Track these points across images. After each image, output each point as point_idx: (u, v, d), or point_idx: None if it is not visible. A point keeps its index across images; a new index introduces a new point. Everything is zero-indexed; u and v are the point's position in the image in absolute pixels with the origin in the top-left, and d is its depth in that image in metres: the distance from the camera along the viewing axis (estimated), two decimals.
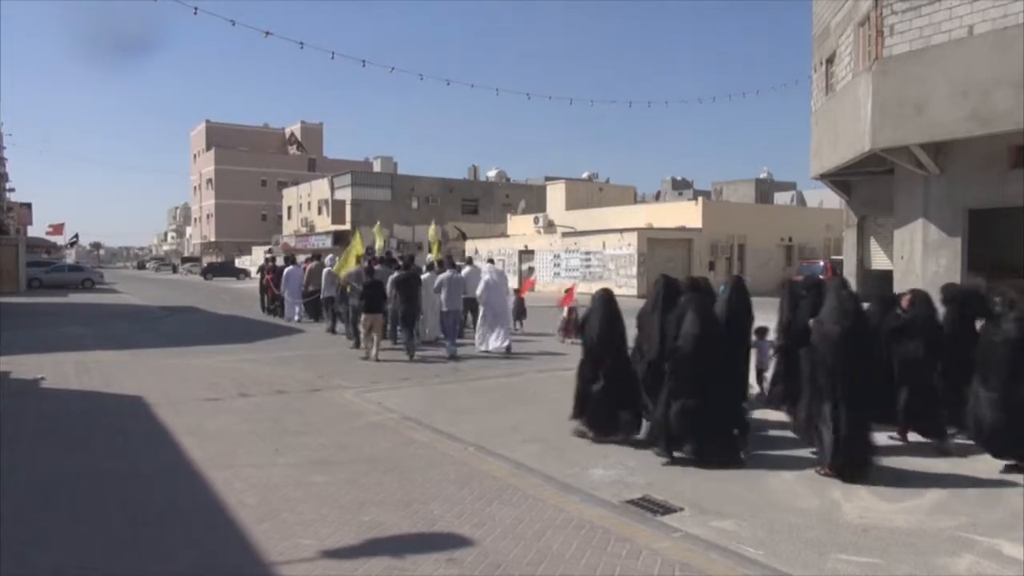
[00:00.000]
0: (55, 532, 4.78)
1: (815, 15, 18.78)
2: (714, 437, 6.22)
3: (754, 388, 8.15)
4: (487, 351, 13.27)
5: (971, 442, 6.43)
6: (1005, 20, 11.87)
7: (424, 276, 14.24)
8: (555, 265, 34.84)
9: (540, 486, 5.75)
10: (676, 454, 6.29)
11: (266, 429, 7.65)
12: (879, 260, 17.78)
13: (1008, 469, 6.02)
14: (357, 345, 13.70)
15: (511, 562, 4.30)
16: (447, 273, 13.51)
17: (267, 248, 44.54)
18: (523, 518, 5.01)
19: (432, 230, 19.25)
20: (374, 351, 12.62)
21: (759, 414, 7.71)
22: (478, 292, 13.53)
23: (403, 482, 5.81)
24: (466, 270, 14.80)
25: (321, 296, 17.58)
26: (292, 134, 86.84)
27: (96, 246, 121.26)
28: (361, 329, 13.12)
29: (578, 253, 33.93)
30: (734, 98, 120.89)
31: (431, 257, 17.03)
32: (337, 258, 17.54)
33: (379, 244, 19.74)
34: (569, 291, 16.37)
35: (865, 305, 6.97)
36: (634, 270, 30.59)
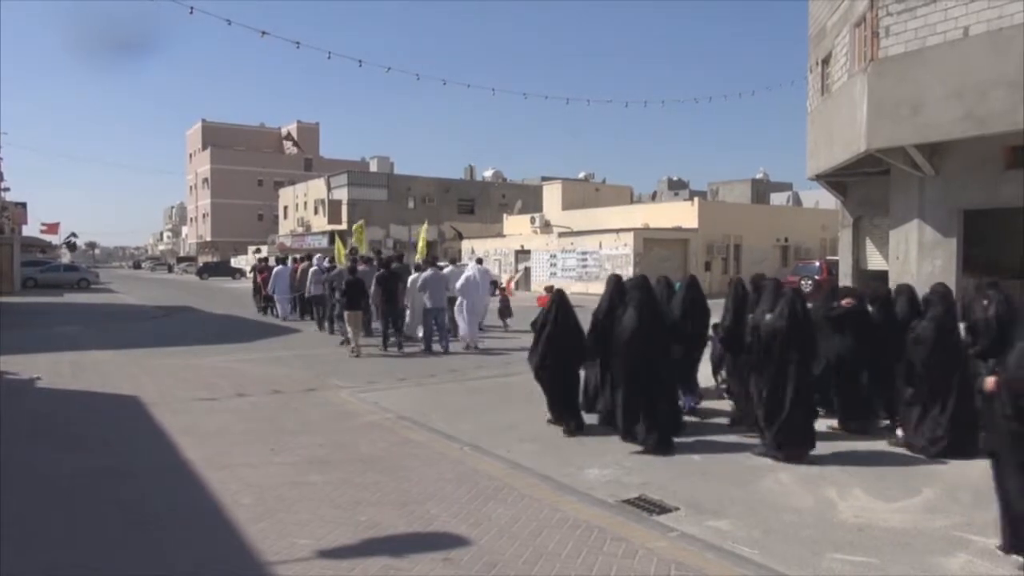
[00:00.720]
0: (50, 531, 4.77)
1: (811, 16, 18.82)
2: (655, 425, 6.66)
3: (710, 380, 8.79)
4: (467, 346, 13.97)
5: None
6: (1000, 21, 11.91)
7: (411, 276, 14.58)
8: (551, 265, 34.84)
9: (536, 485, 5.76)
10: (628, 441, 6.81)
11: (262, 429, 7.64)
12: (875, 261, 17.83)
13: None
14: (346, 342, 13.97)
15: (507, 561, 4.31)
16: (428, 272, 13.82)
17: (256, 248, 44.51)
18: (519, 517, 5.02)
19: (423, 230, 19.81)
20: (356, 346, 13.17)
21: (713, 404, 8.42)
22: (457, 286, 14.03)
23: (399, 482, 5.82)
24: (448, 269, 15.22)
25: (307, 294, 18.05)
26: (288, 133, 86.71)
27: (91, 245, 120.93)
28: (348, 327, 13.55)
29: (574, 253, 33.95)
30: (730, 98, 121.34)
31: (417, 257, 17.63)
32: (326, 258, 18.78)
33: (363, 246, 20.41)
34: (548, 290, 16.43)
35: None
36: (630, 270, 30.59)
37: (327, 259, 20.04)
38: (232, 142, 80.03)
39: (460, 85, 47.84)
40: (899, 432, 6.90)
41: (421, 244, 18.87)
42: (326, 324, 16.78)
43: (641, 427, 6.69)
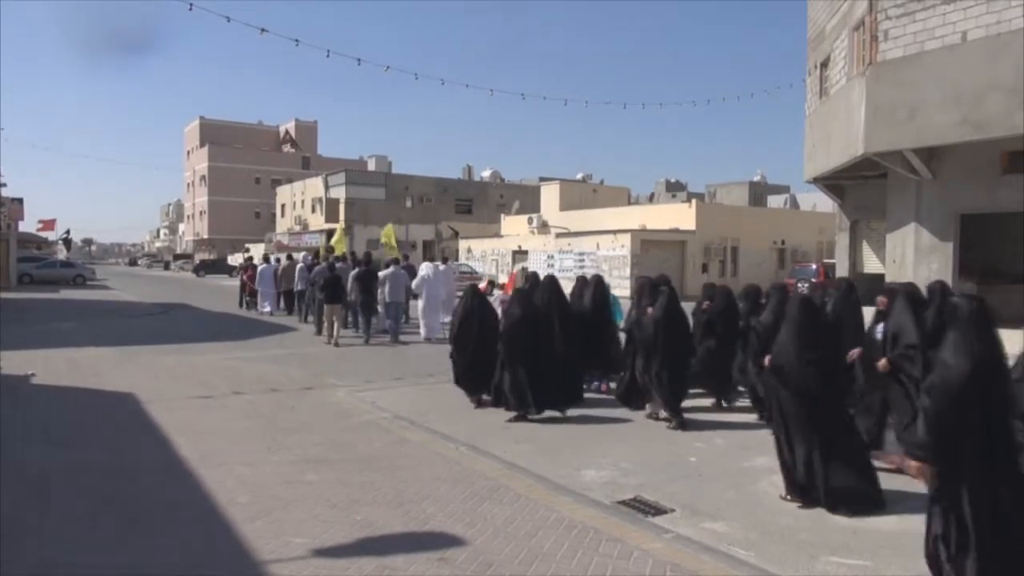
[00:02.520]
0: (44, 529, 4.76)
1: (810, 19, 18.85)
2: (544, 399, 7.91)
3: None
4: (426, 338, 15.10)
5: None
6: (998, 26, 11.94)
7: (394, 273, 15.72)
8: (549, 266, 34.82)
9: (532, 486, 5.76)
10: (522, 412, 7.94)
11: (259, 427, 7.63)
12: (871, 264, 17.88)
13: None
14: (319, 332, 15.64)
15: (503, 561, 4.31)
16: (390, 269, 15.44)
17: (244, 248, 45.18)
18: (515, 518, 5.02)
19: (388, 229, 21.13)
20: (334, 336, 14.49)
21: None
22: (414, 284, 15.39)
23: (395, 481, 5.81)
24: (424, 269, 16.29)
25: (294, 290, 19.40)
26: (286, 132, 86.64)
27: (88, 242, 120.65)
28: (324, 319, 15.11)
29: (572, 254, 33.98)
30: (728, 101, 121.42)
31: (392, 255, 18.99)
32: (310, 256, 20.76)
33: (341, 248, 22.09)
34: (512, 277, 17.09)
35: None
36: (627, 271, 30.64)
37: (311, 257, 21.41)
38: (230, 140, 79.95)
39: (458, 85, 48.13)
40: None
41: (389, 243, 20.42)
42: (305, 318, 18.25)
43: (520, 398, 7.89)
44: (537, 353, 7.95)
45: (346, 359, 12.69)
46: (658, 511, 5.23)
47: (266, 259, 23.11)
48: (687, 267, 32.12)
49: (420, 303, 15.44)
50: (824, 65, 17.56)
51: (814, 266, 28.42)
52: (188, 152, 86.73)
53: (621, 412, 8.36)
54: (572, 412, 8.25)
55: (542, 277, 9.75)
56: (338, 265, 16.65)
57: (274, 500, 5.34)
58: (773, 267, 35.02)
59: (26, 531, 4.70)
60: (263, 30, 19.79)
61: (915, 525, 4.94)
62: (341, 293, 14.93)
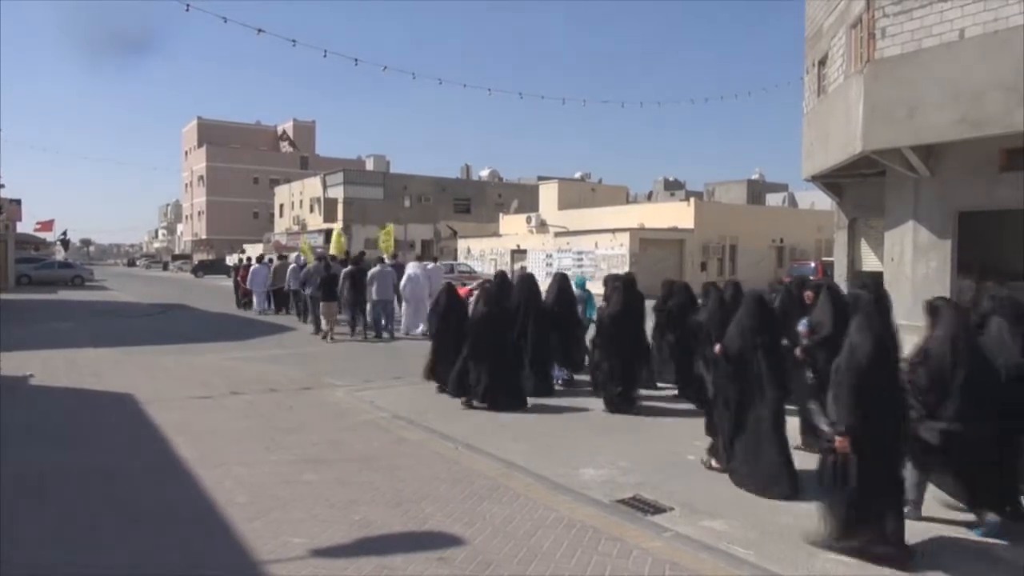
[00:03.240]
0: (43, 530, 4.75)
1: (808, 17, 18.85)
2: (502, 390, 8.42)
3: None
4: (407, 332, 15.84)
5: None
6: (996, 24, 11.93)
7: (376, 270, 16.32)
8: (547, 265, 34.84)
9: (531, 485, 5.76)
10: (475, 403, 8.50)
11: (257, 427, 7.63)
12: (870, 262, 17.86)
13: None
14: (317, 331, 16.02)
15: (501, 561, 4.31)
16: (376, 268, 15.96)
17: (240, 249, 45.64)
18: (514, 517, 5.02)
19: (388, 228, 22.25)
20: (330, 333, 15.19)
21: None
22: (401, 283, 15.85)
23: (394, 481, 5.81)
24: (411, 268, 16.84)
25: (286, 288, 20.01)
26: (284, 132, 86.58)
27: (86, 243, 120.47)
28: (323, 316, 15.62)
29: (570, 253, 33.98)
30: (726, 99, 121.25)
31: (385, 255, 20.22)
32: (303, 256, 21.46)
33: (340, 249, 22.57)
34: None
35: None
36: (626, 270, 30.63)
37: (303, 257, 21.92)
38: (228, 140, 79.85)
39: (456, 84, 48.17)
40: None
41: (384, 244, 21.44)
42: (302, 316, 18.68)
43: (482, 390, 8.45)
44: (501, 350, 8.53)
45: (344, 359, 12.68)
46: (657, 510, 5.23)
47: (259, 259, 24.10)
48: (686, 266, 32.11)
49: (404, 301, 16.09)
50: (822, 63, 17.55)
51: (812, 264, 28.43)
52: (186, 152, 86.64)
53: (595, 403, 8.35)
54: (572, 412, 8.26)
55: (547, 276, 10.59)
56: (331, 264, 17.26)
57: (273, 500, 5.34)
58: (772, 265, 35.03)
59: (25, 532, 4.70)
60: (260, 30, 19.76)
61: (913, 523, 4.96)
62: (336, 290, 15.49)
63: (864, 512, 4.35)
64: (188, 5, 17.00)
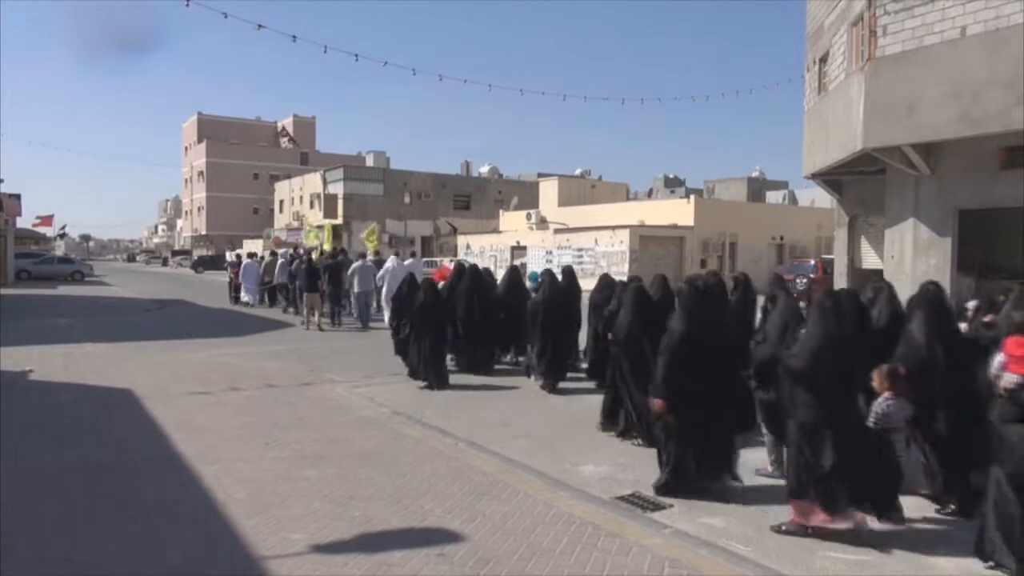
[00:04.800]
0: (41, 525, 4.75)
1: (809, 14, 18.81)
2: (437, 372, 9.64)
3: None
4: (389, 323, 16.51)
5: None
6: (997, 22, 11.91)
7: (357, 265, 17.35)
8: (547, 262, 34.76)
9: (530, 482, 5.76)
10: (420, 383, 9.61)
11: (256, 423, 7.62)
12: (870, 260, 17.85)
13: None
14: (304, 321, 16.94)
15: (501, 557, 4.31)
16: (359, 262, 17.02)
17: (232, 247, 46.11)
18: (513, 514, 5.02)
19: (369, 230, 23.94)
20: (316, 321, 16.35)
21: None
22: (377, 276, 16.52)
23: (393, 477, 5.81)
24: (389, 262, 17.61)
25: (275, 282, 21.09)
26: (284, 128, 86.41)
27: (86, 238, 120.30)
28: (305, 307, 16.87)
29: (570, 250, 33.95)
30: (727, 96, 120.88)
31: (370, 250, 21.53)
32: (289, 252, 23.13)
33: (326, 245, 24.16)
34: (443, 267, 17.97)
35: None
36: (626, 267, 30.61)
37: (290, 252, 23.68)
38: (228, 135, 79.69)
39: (456, 80, 48.20)
40: None
41: (371, 241, 23.11)
42: (290, 309, 19.77)
43: (431, 374, 9.57)
44: (442, 332, 9.95)
45: (344, 354, 12.68)
46: (656, 506, 5.23)
47: (250, 255, 25.35)
48: (686, 263, 32.09)
49: (383, 293, 16.56)
50: (823, 61, 17.52)
51: (812, 262, 28.40)
52: (186, 148, 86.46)
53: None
54: (575, 409, 8.24)
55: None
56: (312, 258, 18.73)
57: (272, 496, 5.34)
58: (772, 263, 35.00)
59: (24, 528, 4.69)
60: (260, 26, 19.70)
61: (915, 520, 4.96)
62: (318, 282, 16.61)
63: (684, 463, 5.34)
64: (188, 1, 16.96)
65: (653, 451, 6.69)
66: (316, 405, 8.58)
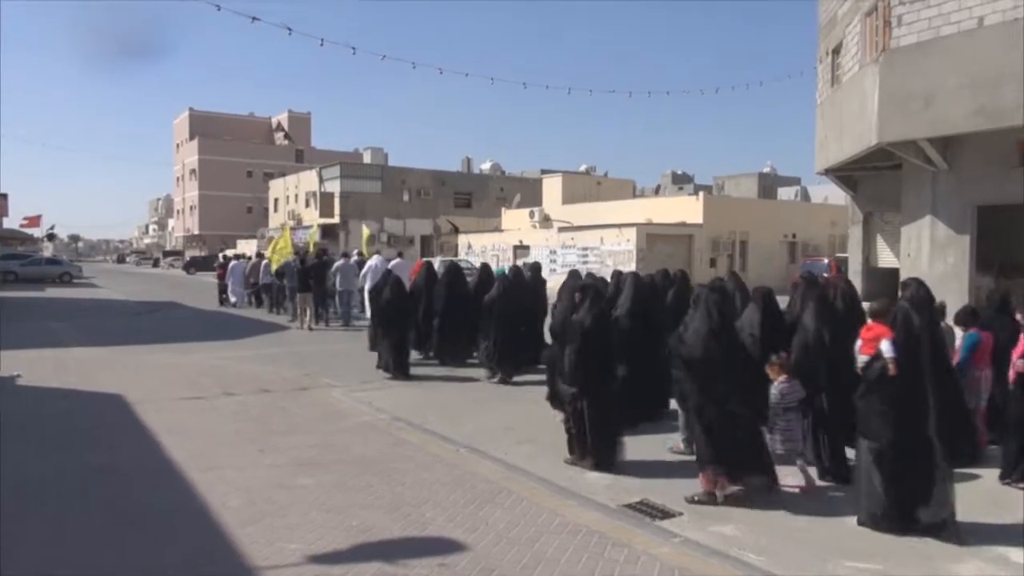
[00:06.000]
0: (32, 533, 4.76)
1: (821, 4, 18.80)
2: (400, 361, 10.77)
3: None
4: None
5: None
6: (1016, 11, 11.90)
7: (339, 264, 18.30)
8: (551, 261, 34.79)
9: (535, 489, 5.76)
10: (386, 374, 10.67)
11: (251, 429, 7.64)
12: (885, 258, 17.85)
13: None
14: (293, 319, 18.08)
15: (505, 568, 4.31)
16: (340, 261, 17.98)
17: (221, 249, 46.68)
18: (517, 522, 5.02)
19: (365, 231, 25.25)
20: (307, 321, 17.04)
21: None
22: (361, 275, 16.95)
23: (393, 485, 5.81)
24: (373, 260, 18.14)
25: (259, 283, 22.02)
26: (279, 124, 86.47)
27: (74, 239, 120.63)
28: (299, 306, 17.61)
29: (575, 248, 33.93)
30: (737, 89, 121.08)
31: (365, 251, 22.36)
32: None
33: (311, 245, 24.35)
34: (418, 263, 18.56)
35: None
36: (633, 266, 30.61)
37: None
38: (221, 132, 79.75)
39: (457, 74, 48.33)
40: None
41: (365, 242, 24.35)
42: (274, 309, 20.72)
43: (391, 363, 10.69)
44: (404, 326, 11.03)
45: (340, 358, 12.69)
46: (665, 514, 5.23)
47: (236, 256, 26.81)
48: (694, 262, 32.05)
49: (366, 291, 17.10)
50: (836, 52, 17.51)
51: (826, 260, 28.38)
52: (177, 145, 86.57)
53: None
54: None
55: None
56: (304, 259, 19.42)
57: (267, 504, 5.34)
58: (784, 262, 34.96)
59: (13, 534, 4.70)
60: (254, 18, 19.78)
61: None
62: (309, 282, 17.33)
63: (583, 438, 6.27)
64: None
65: (662, 458, 6.73)
66: (312, 410, 8.58)
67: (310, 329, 16.85)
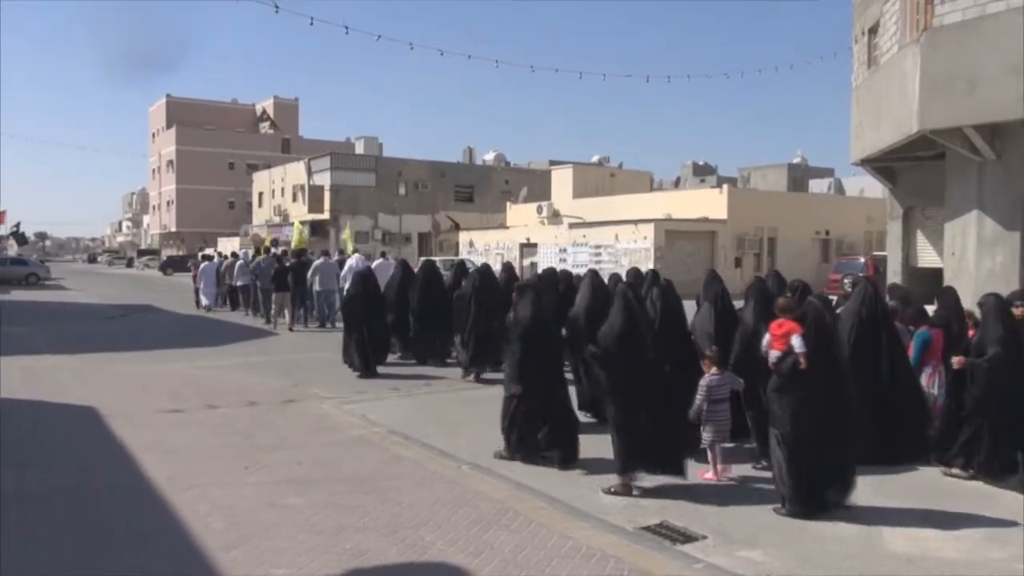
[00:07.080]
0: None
1: None
2: (366, 359, 11.75)
3: None
4: None
5: None
6: None
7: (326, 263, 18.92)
8: (561, 260, 34.81)
9: (544, 509, 5.77)
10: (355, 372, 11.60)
11: (235, 444, 7.67)
12: (927, 257, 17.78)
13: None
14: (268, 321, 18.93)
15: None
16: (319, 260, 18.63)
17: (200, 248, 47.27)
18: (525, 546, 5.03)
19: (347, 231, 26.96)
20: (286, 322, 17.94)
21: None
22: (342, 273, 17.87)
23: (389, 504, 5.84)
24: (352, 259, 19.17)
25: (235, 284, 22.40)
26: (264, 111, 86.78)
27: (41, 236, 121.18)
28: (273, 306, 18.56)
29: (587, 247, 33.94)
30: (764, 72, 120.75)
31: (348, 248, 24.16)
32: (249, 251, 25.77)
33: (296, 241, 25.40)
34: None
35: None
36: (650, 266, 30.59)
37: (250, 252, 25.82)
38: (200, 120, 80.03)
39: (459, 56, 47.99)
40: None
41: (348, 241, 25.83)
42: (249, 311, 21.29)
43: (357, 360, 11.74)
44: (368, 325, 11.81)
45: (330, 366, 12.72)
46: (687, 538, 5.23)
47: (207, 257, 27.91)
48: (718, 261, 32.01)
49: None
50: (872, 31, 17.48)
51: (862, 259, 28.30)
52: (153, 135, 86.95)
53: None
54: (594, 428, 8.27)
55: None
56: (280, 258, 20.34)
57: (253, 526, 5.37)
58: (816, 260, 34.89)
59: None
60: None
61: (975, 553, 4.95)
62: (286, 282, 18.09)
63: (529, 433, 6.88)
64: None
65: (678, 477, 6.71)
66: (302, 424, 8.62)
67: (290, 330, 17.69)
